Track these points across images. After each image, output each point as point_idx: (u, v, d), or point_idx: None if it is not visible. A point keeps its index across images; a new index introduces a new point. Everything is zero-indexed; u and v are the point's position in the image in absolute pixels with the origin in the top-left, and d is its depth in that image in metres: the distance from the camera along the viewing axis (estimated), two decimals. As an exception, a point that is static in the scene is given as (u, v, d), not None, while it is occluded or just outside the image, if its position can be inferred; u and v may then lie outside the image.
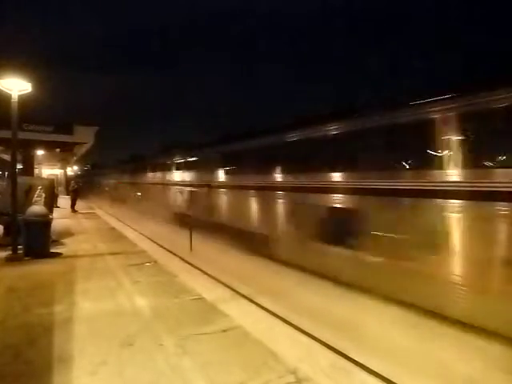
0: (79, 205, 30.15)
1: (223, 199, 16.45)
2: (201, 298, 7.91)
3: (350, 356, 5.38)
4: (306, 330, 6.25)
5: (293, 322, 6.61)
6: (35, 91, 11.80)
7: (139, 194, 30.12)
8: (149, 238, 16.10)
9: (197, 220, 16.39)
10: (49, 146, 31.48)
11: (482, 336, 6.30)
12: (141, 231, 18.08)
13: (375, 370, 4.98)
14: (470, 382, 5.19)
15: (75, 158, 45.71)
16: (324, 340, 5.87)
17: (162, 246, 14.19)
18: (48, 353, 5.37)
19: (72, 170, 58.14)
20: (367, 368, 5.05)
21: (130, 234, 17.61)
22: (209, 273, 10.02)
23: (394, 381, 4.77)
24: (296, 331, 6.32)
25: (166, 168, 23.92)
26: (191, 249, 13.59)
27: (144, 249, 13.58)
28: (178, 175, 22.06)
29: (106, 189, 42.96)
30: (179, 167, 21.89)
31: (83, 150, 36.61)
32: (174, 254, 12.71)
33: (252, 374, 4.81)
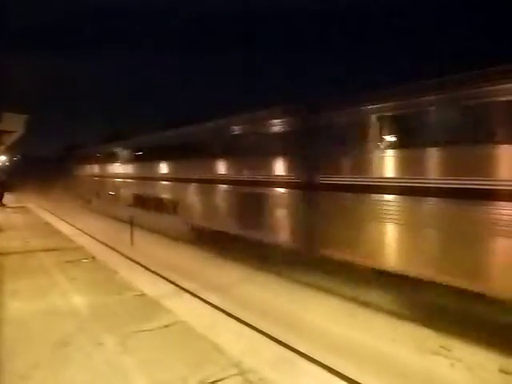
0: (8, 198, 27.98)
1: (161, 191, 16.09)
2: (142, 295, 7.71)
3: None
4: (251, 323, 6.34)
5: (236, 316, 6.68)
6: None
7: (76, 186, 28.59)
8: (86, 233, 15.36)
9: (138, 213, 15.92)
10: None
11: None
12: (78, 226, 17.20)
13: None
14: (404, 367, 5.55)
15: (3, 147, 42.27)
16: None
17: (100, 242, 13.60)
18: (-28, 358, 4.96)
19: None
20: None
21: (65, 229, 16.68)
22: (151, 268, 9.78)
23: (334, 368, 4.97)
24: (240, 324, 6.39)
25: (104, 160, 22.92)
26: (132, 243, 13.15)
27: (81, 244, 12.92)
28: (117, 167, 21.19)
29: (41, 181, 40.26)
30: (117, 159, 21.03)
31: (12, 139, 33.90)
32: (114, 250, 12.26)
33: (195, 368, 4.78)
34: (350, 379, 4.73)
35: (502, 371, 5.11)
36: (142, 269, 9.95)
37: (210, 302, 7.48)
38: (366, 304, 7.53)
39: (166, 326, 6.09)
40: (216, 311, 7.04)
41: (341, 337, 6.26)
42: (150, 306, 7.05)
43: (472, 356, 5.52)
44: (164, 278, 9.04)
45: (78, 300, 7.30)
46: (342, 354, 5.48)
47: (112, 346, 5.43)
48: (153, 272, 9.57)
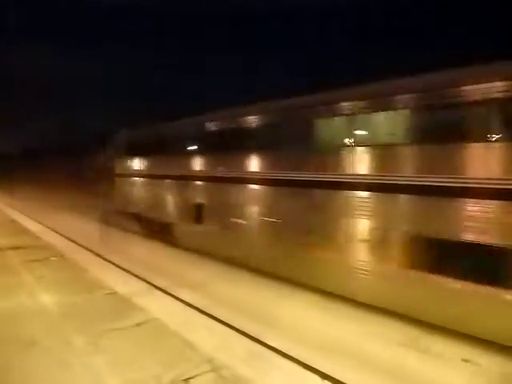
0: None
1: (133, 187, 15.75)
2: (114, 293, 7.59)
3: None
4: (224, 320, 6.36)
5: (210, 312, 6.68)
6: None
7: (43, 182, 27.65)
8: (55, 231, 14.93)
9: (108, 209, 15.58)
10: None
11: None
12: (46, 224, 16.68)
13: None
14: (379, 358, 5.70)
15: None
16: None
17: (70, 239, 13.25)
18: None
19: None
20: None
21: (33, 226, 16.15)
22: (122, 266, 9.63)
23: (306, 362, 5.06)
24: (213, 321, 6.39)
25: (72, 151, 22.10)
26: (103, 241, 12.88)
27: (49, 242, 12.56)
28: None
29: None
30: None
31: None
32: (84, 248, 11.97)
33: (168, 366, 4.77)
34: (323, 373, 4.82)
35: (464, 360, 5.35)
36: (114, 266, 9.78)
37: (183, 299, 7.44)
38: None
39: (139, 325, 6.03)
40: (188, 308, 7.02)
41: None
42: (121, 305, 6.96)
43: (438, 346, 5.75)
44: (135, 275, 8.91)
45: (47, 299, 7.11)
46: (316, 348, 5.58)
47: (82, 345, 5.33)
48: (123, 269, 9.41)
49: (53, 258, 10.33)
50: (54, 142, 30.71)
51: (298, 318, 6.90)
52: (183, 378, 4.49)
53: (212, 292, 8.12)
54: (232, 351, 5.31)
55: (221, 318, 6.43)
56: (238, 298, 7.84)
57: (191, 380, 4.47)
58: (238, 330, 6.02)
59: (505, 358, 5.26)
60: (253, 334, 5.84)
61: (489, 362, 5.24)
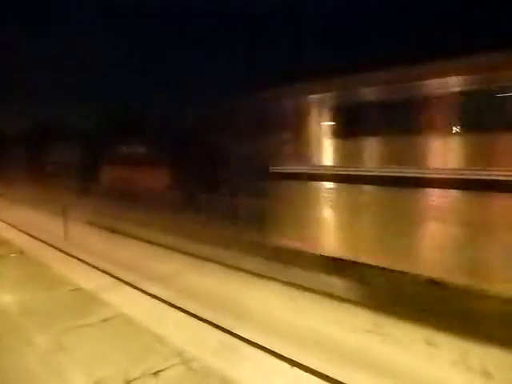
0: None
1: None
2: (78, 289, 7.36)
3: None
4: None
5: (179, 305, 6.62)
6: None
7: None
8: (14, 226, 14.27)
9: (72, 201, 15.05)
10: None
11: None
12: (4, 219, 15.92)
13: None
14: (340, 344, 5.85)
15: None
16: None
17: (30, 235, 12.72)
18: None
19: None
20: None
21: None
22: (87, 260, 9.35)
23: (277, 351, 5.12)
24: (183, 313, 6.34)
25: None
26: (66, 235, 12.45)
27: (8, 238, 12.00)
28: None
29: None
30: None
31: None
32: (46, 243, 11.52)
33: (136, 361, 4.69)
34: (292, 360, 4.90)
35: (428, 343, 5.57)
36: (78, 261, 9.48)
37: (152, 293, 7.32)
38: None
39: (105, 320, 5.88)
40: (158, 302, 6.92)
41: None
42: (87, 301, 6.76)
43: (402, 331, 5.96)
44: (101, 269, 8.68)
45: (6, 298, 6.81)
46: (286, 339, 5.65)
47: (45, 344, 5.14)
48: (88, 264, 9.14)
49: (12, 255, 9.88)
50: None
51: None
52: (152, 372, 4.43)
53: (182, 284, 8.03)
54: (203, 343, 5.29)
55: (190, 310, 6.39)
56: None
57: (161, 373, 4.42)
58: (208, 322, 6.00)
59: (465, 340, 5.53)
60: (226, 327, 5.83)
61: (450, 343, 5.48)
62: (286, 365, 4.83)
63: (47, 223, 14.45)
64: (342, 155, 7.19)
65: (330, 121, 7.37)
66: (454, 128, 5.88)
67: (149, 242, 11.86)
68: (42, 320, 5.87)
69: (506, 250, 5.33)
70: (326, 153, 7.43)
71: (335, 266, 7.52)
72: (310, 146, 7.64)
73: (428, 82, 6.02)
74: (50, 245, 11.28)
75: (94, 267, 8.91)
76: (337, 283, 7.68)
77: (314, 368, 4.70)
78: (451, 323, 5.74)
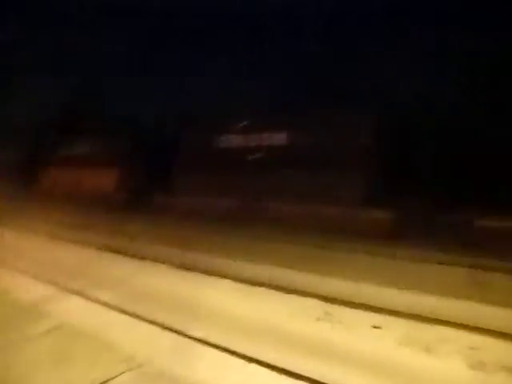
0: None
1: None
2: (17, 300, 6.89)
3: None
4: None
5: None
6: None
7: None
8: None
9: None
10: None
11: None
12: None
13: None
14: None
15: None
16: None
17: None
18: None
19: None
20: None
21: None
22: (27, 269, 8.77)
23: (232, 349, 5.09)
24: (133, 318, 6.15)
25: None
26: (1, 244, 11.58)
27: None
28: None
29: None
30: None
31: None
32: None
33: (85, 371, 4.48)
34: (248, 357, 4.89)
35: (374, 327, 5.85)
36: (16, 270, 8.86)
37: (99, 299, 7.02)
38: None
39: (49, 331, 5.56)
40: (106, 308, 6.65)
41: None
42: (28, 312, 6.35)
43: (350, 316, 6.21)
44: (42, 278, 8.18)
45: None
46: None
47: (-19, 361, 4.77)
48: (27, 272, 8.58)
49: None
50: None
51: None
52: (103, 381, 4.26)
53: (130, 289, 7.78)
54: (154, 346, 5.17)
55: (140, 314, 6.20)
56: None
57: (111, 381, 4.26)
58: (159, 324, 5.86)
59: (410, 323, 5.87)
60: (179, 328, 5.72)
61: (396, 326, 5.79)
62: (242, 361, 4.80)
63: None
64: None
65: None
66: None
67: (93, 246, 11.36)
68: (-24, 336, 5.44)
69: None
70: None
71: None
72: None
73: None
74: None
75: (35, 277, 8.38)
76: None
77: (270, 362, 4.70)
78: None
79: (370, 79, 15.52)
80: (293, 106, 17.23)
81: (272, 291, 7.55)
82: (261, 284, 7.84)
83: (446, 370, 4.61)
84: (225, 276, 8.28)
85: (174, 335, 5.57)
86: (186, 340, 5.41)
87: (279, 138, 17.00)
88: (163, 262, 9.47)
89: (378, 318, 6.06)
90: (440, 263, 9.07)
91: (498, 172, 11.48)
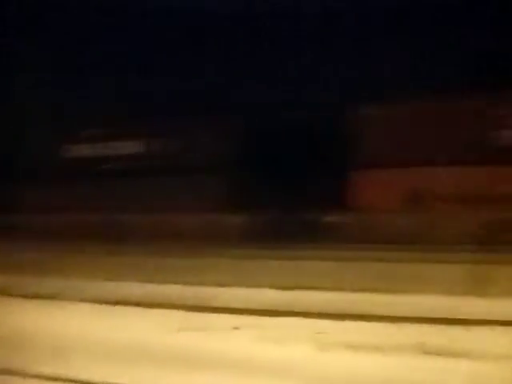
0: None
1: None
2: None
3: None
4: None
5: None
6: None
7: None
8: None
9: None
10: None
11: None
12: None
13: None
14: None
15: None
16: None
17: None
18: None
19: None
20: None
21: None
22: None
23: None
24: None
25: None
26: None
27: None
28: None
29: None
30: None
31: None
32: None
33: None
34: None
35: (234, 328, 6.08)
36: None
37: None
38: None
39: None
40: None
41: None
42: None
43: (211, 321, 6.33)
44: None
45: None
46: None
47: None
48: None
49: None
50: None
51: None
52: None
53: None
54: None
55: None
56: None
57: None
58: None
59: (263, 321, 6.29)
60: None
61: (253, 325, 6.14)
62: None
63: None
64: None
65: None
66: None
67: None
68: None
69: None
70: None
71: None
72: None
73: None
74: None
75: None
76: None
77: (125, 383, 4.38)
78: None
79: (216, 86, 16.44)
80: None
81: (131, 308, 7.18)
82: (118, 302, 7.40)
83: (297, 356, 5.02)
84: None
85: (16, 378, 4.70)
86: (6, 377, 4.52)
87: (132, 146, 16.53)
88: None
89: (237, 319, 6.31)
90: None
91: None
